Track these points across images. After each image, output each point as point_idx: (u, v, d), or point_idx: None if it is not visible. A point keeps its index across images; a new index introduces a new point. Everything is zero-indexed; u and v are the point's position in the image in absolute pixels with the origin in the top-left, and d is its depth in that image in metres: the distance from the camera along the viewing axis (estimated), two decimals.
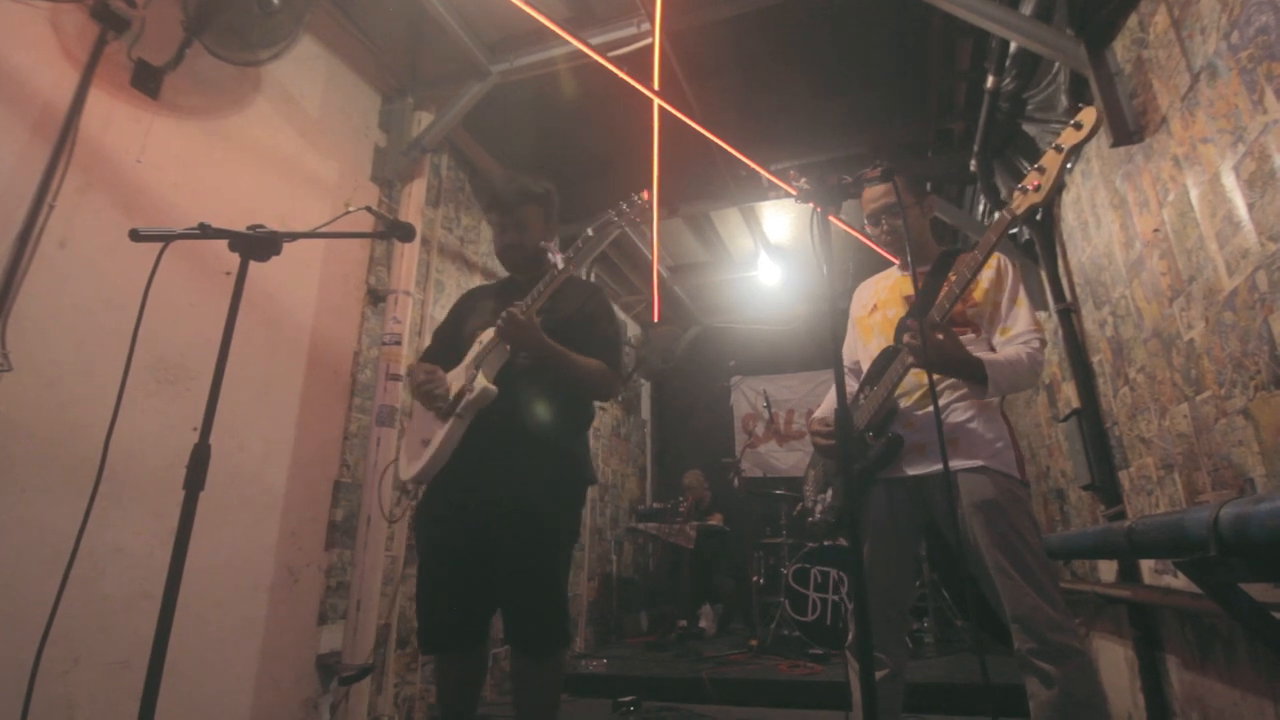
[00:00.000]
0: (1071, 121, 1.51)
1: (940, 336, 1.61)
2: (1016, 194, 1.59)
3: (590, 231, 1.98)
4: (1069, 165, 2.79)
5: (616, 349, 2.01)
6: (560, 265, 1.90)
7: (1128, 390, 2.43)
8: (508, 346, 1.87)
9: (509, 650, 1.82)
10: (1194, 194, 1.82)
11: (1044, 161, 1.55)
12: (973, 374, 1.64)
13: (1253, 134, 1.53)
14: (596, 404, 2.20)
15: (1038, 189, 1.55)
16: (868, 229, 1.99)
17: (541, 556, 1.81)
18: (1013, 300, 1.77)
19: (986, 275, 1.80)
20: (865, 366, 1.91)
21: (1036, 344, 1.69)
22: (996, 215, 1.63)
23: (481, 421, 1.84)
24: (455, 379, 1.89)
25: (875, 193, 1.88)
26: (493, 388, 1.83)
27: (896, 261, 2.02)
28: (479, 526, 1.81)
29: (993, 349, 1.75)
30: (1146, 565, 2.45)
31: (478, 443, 1.84)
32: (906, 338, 1.66)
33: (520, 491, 1.80)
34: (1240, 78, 1.57)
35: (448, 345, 2.03)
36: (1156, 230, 2.06)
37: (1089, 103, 2.47)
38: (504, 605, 1.81)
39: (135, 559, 2.06)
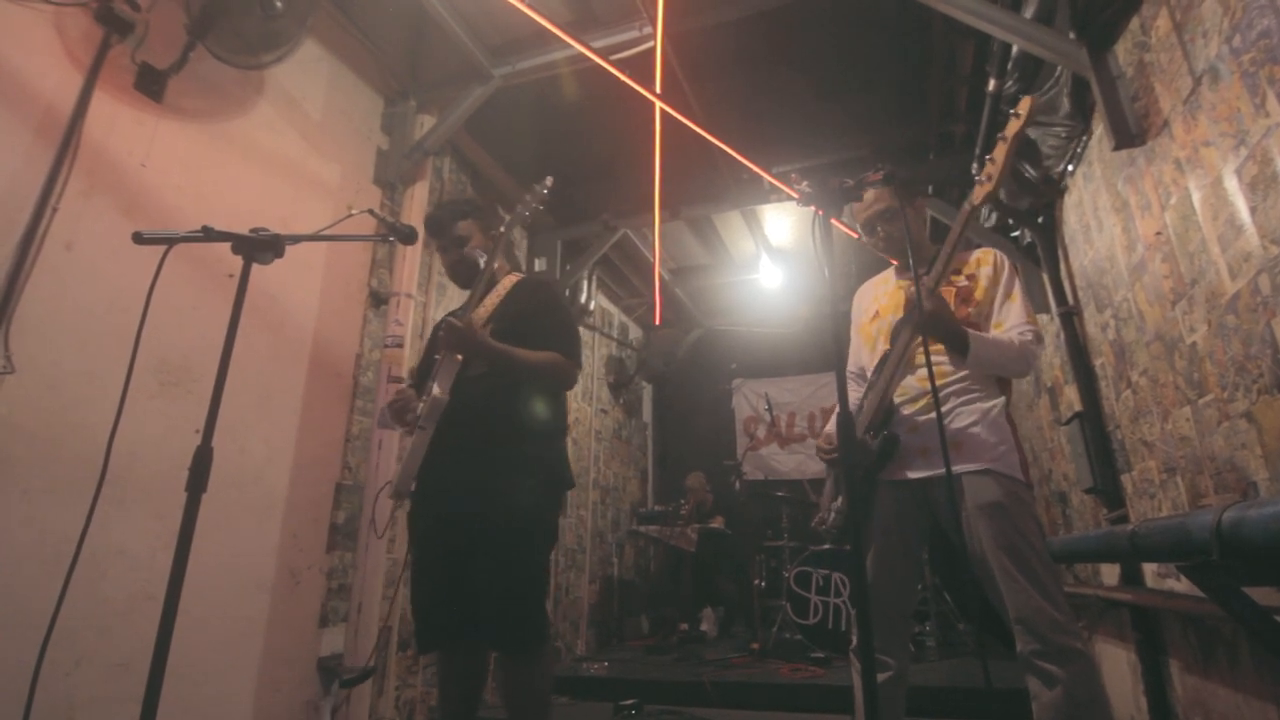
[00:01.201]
0: (1011, 111, 1.62)
1: (930, 305, 1.65)
2: (975, 186, 1.68)
3: (501, 229, 2.06)
4: (1071, 168, 2.79)
5: (571, 335, 2.06)
6: (482, 264, 1.98)
7: (1130, 393, 2.43)
8: (458, 356, 1.93)
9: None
10: (1196, 197, 1.82)
11: (994, 153, 1.65)
12: (956, 342, 1.67)
13: (1255, 137, 1.53)
14: (598, 409, 2.26)
15: (990, 178, 1.64)
16: (863, 238, 2.00)
17: (513, 560, 1.84)
18: (1006, 295, 1.79)
19: (984, 273, 1.82)
20: (870, 373, 1.91)
21: (1030, 335, 1.71)
22: (974, 209, 1.70)
23: (446, 431, 1.90)
24: (423, 401, 1.96)
25: (867, 200, 1.89)
26: (443, 396, 1.89)
27: (894, 263, 2.02)
28: (454, 533, 1.87)
29: None
30: (1149, 569, 2.45)
31: (445, 452, 1.90)
32: (905, 314, 1.73)
33: (487, 497, 1.86)
34: (1242, 81, 1.57)
35: (422, 376, 2.11)
36: (1159, 233, 2.06)
37: (1091, 106, 2.48)
38: (482, 607, 1.84)
39: (137, 561, 2.06)
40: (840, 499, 1.93)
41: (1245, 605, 1.41)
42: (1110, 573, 2.80)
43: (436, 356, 1.99)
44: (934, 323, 1.66)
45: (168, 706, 1.11)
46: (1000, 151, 1.63)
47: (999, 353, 1.69)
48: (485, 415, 1.93)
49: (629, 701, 3.22)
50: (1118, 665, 2.78)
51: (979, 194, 1.66)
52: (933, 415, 1.73)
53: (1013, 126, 1.61)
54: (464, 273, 2.13)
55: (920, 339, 1.65)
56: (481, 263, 2.01)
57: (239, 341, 1.31)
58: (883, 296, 1.99)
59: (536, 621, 1.86)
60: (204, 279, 2.35)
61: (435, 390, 1.90)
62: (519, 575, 1.86)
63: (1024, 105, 1.59)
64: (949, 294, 1.77)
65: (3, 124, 1.90)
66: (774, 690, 3.44)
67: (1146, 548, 1.87)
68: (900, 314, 1.89)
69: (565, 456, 2.08)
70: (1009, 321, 1.75)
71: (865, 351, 1.99)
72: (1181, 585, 2.11)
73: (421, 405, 1.94)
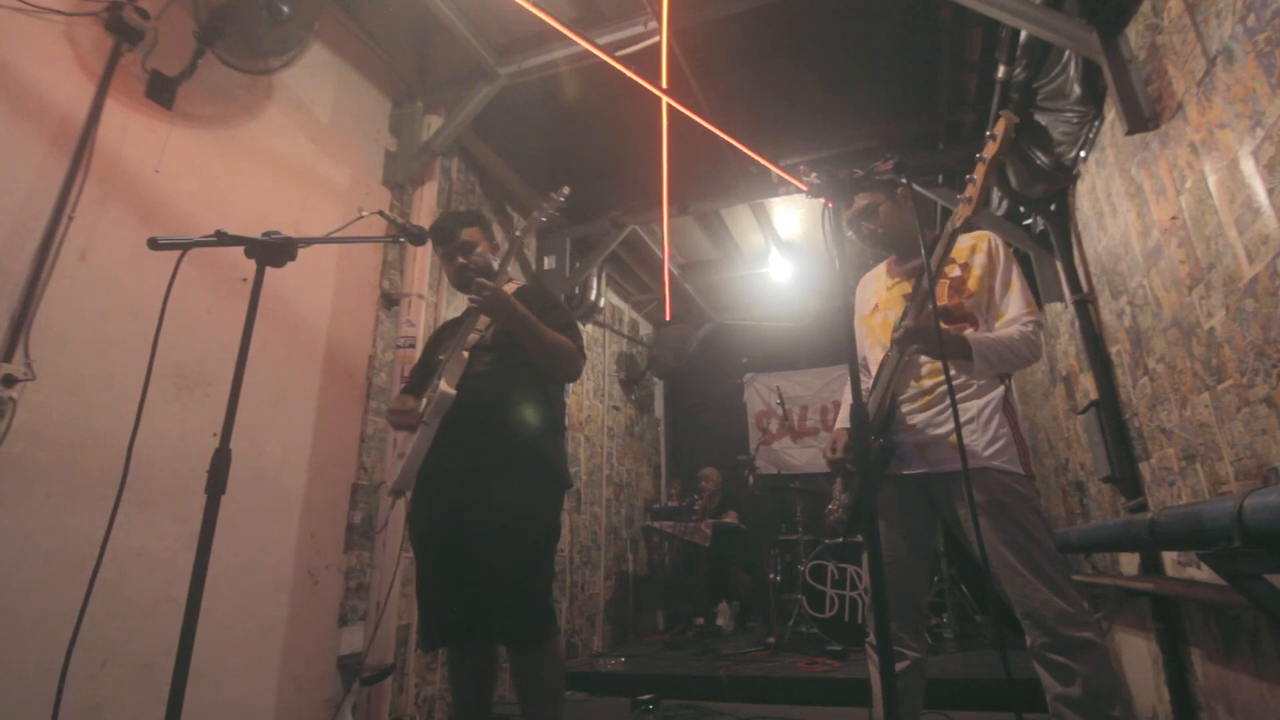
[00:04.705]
0: (988, 133, 1.56)
1: (917, 342, 1.66)
2: (959, 206, 1.64)
3: (517, 233, 2.13)
4: (1083, 154, 2.76)
5: (576, 329, 2.13)
6: (495, 266, 2.07)
7: (1147, 380, 2.40)
8: (463, 353, 1.97)
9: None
10: (1212, 180, 1.80)
11: (974, 173, 1.61)
12: (960, 352, 1.66)
13: (1271, 118, 1.50)
14: (610, 406, 2.28)
15: (970, 200, 1.60)
16: (851, 236, 1.99)
17: (513, 556, 1.85)
18: (1005, 285, 1.77)
19: (979, 261, 1.80)
20: (873, 367, 1.91)
21: (1031, 326, 1.70)
22: (950, 221, 1.68)
23: (450, 428, 1.92)
24: (427, 398, 1.98)
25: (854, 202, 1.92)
26: (450, 390, 1.91)
27: (892, 257, 2.02)
28: (456, 529, 1.88)
29: None
30: (1169, 557, 2.43)
31: (448, 449, 1.92)
32: (896, 335, 1.71)
33: (489, 493, 1.87)
34: (1257, 61, 1.54)
35: (423, 378, 2.13)
36: (1174, 218, 2.03)
37: (1103, 90, 2.45)
38: (488, 604, 1.84)
39: (159, 562, 2.09)
40: (846, 492, 1.93)
41: (1268, 593, 1.40)
42: (1130, 562, 2.77)
43: (440, 356, 2.01)
44: (930, 349, 1.67)
45: (191, 706, 1.12)
46: (979, 172, 1.58)
47: (1004, 349, 1.67)
48: (489, 412, 1.94)
49: (646, 696, 3.23)
50: (1139, 655, 2.75)
51: (960, 214, 1.63)
52: (928, 413, 1.76)
53: (989, 149, 1.56)
54: (469, 278, 2.14)
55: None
56: (495, 264, 2.07)
57: (253, 344, 1.32)
58: (883, 290, 1.99)
59: (539, 612, 1.86)
60: (218, 283, 2.38)
61: (442, 385, 1.91)
62: (519, 570, 1.86)
63: (1000, 126, 1.53)
64: (941, 287, 1.77)
65: (18, 134, 1.93)
66: (791, 684, 3.44)
67: (1166, 536, 1.85)
68: (897, 310, 1.88)
69: (564, 454, 2.09)
70: (1010, 312, 1.74)
71: (867, 344, 1.99)
72: (1202, 573, 2.09)
73: (425, 402, 1.95)
